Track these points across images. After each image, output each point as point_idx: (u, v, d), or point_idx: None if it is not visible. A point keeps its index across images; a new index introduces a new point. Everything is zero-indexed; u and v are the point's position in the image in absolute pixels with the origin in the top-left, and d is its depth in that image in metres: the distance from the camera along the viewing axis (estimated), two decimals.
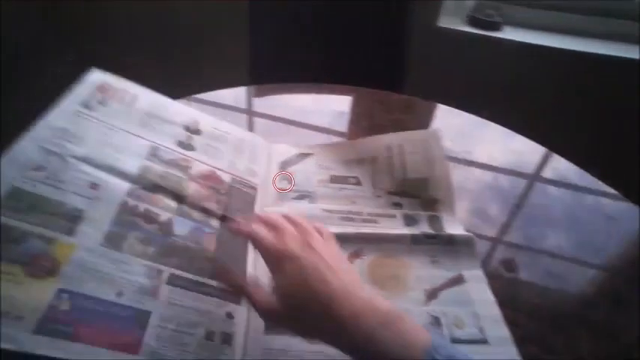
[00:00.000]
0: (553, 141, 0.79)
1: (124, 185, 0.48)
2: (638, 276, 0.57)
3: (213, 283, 0.46)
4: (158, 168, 0.53)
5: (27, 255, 0.38)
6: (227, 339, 0.42)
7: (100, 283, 0.39)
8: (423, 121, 0.87)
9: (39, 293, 0.36)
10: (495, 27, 1.33)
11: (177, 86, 0.80)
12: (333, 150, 0.70)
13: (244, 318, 0.45)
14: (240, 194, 0.58)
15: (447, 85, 1.29)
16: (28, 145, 0.45)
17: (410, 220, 0.59)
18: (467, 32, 1.34)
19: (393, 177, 0.65)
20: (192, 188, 0.53)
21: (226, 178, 0.58)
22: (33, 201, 0.41)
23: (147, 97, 0.61)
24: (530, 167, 0.75)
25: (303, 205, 0.61)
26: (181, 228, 0.48)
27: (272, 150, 0.68)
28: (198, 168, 0.56)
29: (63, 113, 0.51)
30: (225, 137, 0.64)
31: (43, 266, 0.38)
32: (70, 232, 0.41)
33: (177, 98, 0.74)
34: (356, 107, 0.90)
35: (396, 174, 0.65)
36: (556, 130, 1.12)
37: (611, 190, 0.69)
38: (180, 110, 0.63)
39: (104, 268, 0.40)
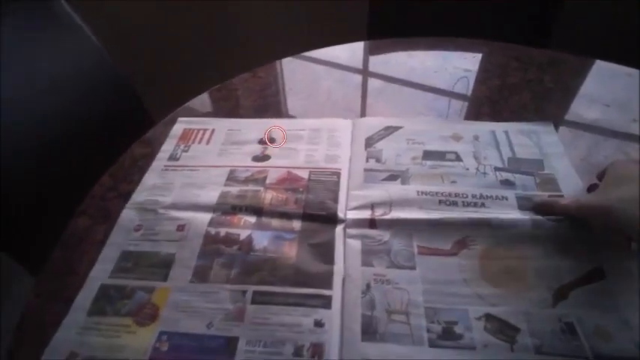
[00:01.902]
0: None
1: (206, 217, 0.50)
2: None
3: (299, 290, 0.42)
4: (235, 189, 0.53)
5: (135, 306, 0.43)
6: (317, 351, 0.37)
7: (192, 318, 0.41)
8: (568, 83, 0.65)
9: (145, 339, 0.40)
10: None
11: (288, 44, 0.80)
12: (426, 124, 0.59)
13: (337, 324, 0.39)
14: (321, 185, 0.53)
15: (606, 38, 0.96)
16: (128, 210, 0.52)
17: (526, 203, 0.47)
18: None
19: (500, 153, 0.53)
20: (268, 197, 0.52)
21: (303, 174, 0.54)
22: (136, 258, 0.47)
23: (223, 127, 0.64)
24: None
25: (395, 187, 0.51)
26: (261, 242, 0.47)
27: (356, 126, 0.61)
28: (273, 175, 0.55)
29: (153, 172, 0.57)
30: (299, 135, 0.61)
31: (147, 314, 0.42)
32: (165, 277, 0.45)
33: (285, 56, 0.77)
34: (486, 65, 0.73)
35: (502, 151, 0.53)
36: None
37: None
38: (254, 127, 0.63)
39: (194, 302, 0.42)
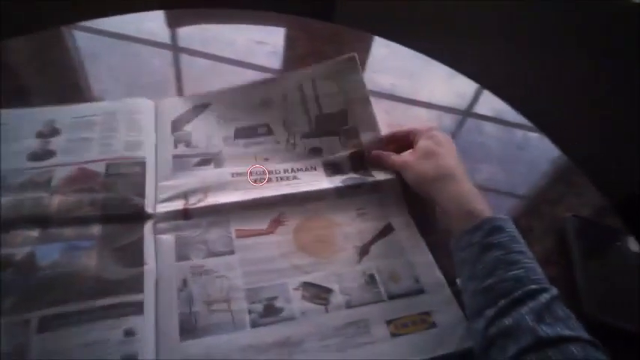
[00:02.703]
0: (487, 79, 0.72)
1: None
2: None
3: (102, 302, 0.37)
4: (6, 199, 0.43)
5: None
6: None
7: None
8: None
9: None
10: None
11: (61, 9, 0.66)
12: (234, 95, 0.56)
13: (151, 329, 0.36)
14: (123, 179, 0.46)
15: (386, 14, 1.11)
16: None
17: (332, 168, 0.51)
18: None
19: (308, 116, 0.54)
20: (56, 202, 0.43)
21: (99, 167, 0.47)
22: None
23: None
24: (465, 105, 0.69)
25: (209, 172, 0.49)
26: (47, 257, 0.39)
27: (160, 108, 0.55)
28: (60, 174, 0.46)
29: None
30: (91, 121, 0.52)
31: None
32: None
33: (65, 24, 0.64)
34: (276, 37, 0.74)
35: (309, 111, 0.54)
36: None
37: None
38: (31, 117, 0.52)
39: None
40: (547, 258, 0.47)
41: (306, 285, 0.40)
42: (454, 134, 0.64)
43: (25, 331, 0.34)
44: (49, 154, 0.48)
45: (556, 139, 0.64)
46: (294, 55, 0.71)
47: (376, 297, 0.40)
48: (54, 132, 0.50)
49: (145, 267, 0.40)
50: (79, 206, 0.43)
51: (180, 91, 0.61)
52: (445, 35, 1.19)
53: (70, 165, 0.47)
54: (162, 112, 0.55)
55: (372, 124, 0.53)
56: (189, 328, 0.36)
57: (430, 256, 0.45)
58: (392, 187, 0.50)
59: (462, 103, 0.69)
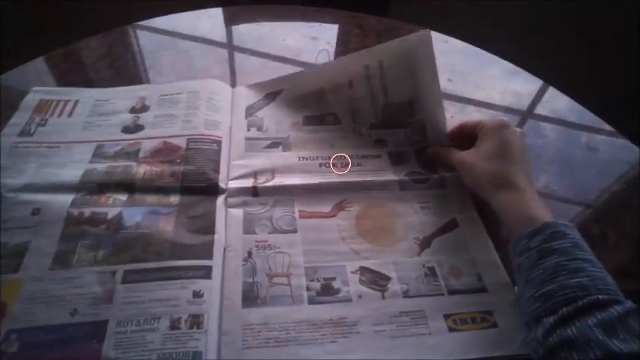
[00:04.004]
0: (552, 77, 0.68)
1: (67, 198, 0.45)
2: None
3: (176, 263, 0.40)
4: (102, 166, 0.48)
5: None
6: (196, 321, 0.36)
7: (51, 308, 0.37)
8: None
9: None
10: None
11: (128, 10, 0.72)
12: (304, 80, 0.58)
13: (217, 293, 0.38)
14: (201, 154, 0.50)
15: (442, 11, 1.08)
16: None
17: (397, 159, 0.51)
18: None
19: (374, 105, 0.54)
20: (142, 171, 0.48)
21: (181, 142, 0.51)
22: None
23: (89, 97, 0.57)
24: (526, 104, 0.65)
25: (277, 154, 0.51)
26: (132, 218, 0.43)
27: (236, 94, 0.58)
28: (147, 146, 0.50)
29: (1, 150, 0.49)
30: (176, 99, 0.57)
31: None
32: (15, 269, 0.39)
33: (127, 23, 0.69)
34: (331, 33, 0.75)
35: (376, 100, 0.54)
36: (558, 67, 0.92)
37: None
38: (125, 94, 0.57)
39: (54, 291, 0.38)
40: (624, 270, 0.43)
41: (364, 269, 0.41)
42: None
43: (112, 280, 0.38)
44: (138, 127, 0.53)
45: (634, 139, 0.58)
46: (347, 51, 0.70)
47: (435, 290, 0.40)
48: (144, 108, 0.55)
49: (215, 236, 0.42)
50: (161, 176, 0.47)
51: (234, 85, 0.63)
52: (509, 30, 1.12)
53: (155, 138, 0.51)
54: (238, 96, 0.58)
55: (440, 119, 0.52)
56: (250, 297, 0.38)
57: (496, 256, 0.43)
58: (458, 184, 0.49)
59: (524, 102, 0.65)
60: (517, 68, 0.69)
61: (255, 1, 0.82)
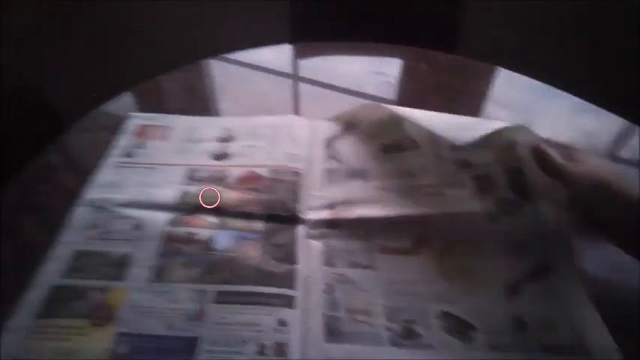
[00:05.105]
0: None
1: (165, 216, 0.49)
2: None
3: (262, 289, 0.43)
4: (194, 188, 0.52)
5: (89, 308, 0.41)
6: (281, 350, 0.38)
7: (151, 318, 0.40)
8: (474, 87, 0.73)
9: (100, 341, 0.39)
10: None
11: (208, 44, 0.78)
12: (381, 111, 0.58)
13: (299, 323, 0.40)
14: (282, 184, 0.53)
15: (508, 46, 1.11)
16: (81, 208, 0.50)
17: (483, 183, 0.47)
18: None
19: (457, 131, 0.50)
20: (230, 197, 0.51)
21: (264, 172, 0.55)
22: (90, 258, 0.45)
23: (181, 124, 0.63)
24: (602, 144, 0.62)
25: (357, 185, 0.53)
26: (223, 241, 0.47)
27: (314, 127, 0.62)
28: (234, 174, 0.55)
29: (106, 169, 0.55)
30: (259, 132, 0.61)
31: (102, 315, 0.40)
32: (120, 277, 0.43)
33: (205, 58, 0.76)
34: (400, 68, 0.78)
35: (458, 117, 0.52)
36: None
37: None
38: (213, 124, 0.63)
39: (153, 303, 0.41)
40: None
41: (447, 315, 0.40)
42: None
43: (203, 299, 0.42)
44: (226, 156, 0.57)
45: None
46: (417, 88, 0.72)
47: (525, 345, 0.38)
48: (230, 138, 0.60)
49: (297, 266, 0.45)
50: (248, 203, 0.51)
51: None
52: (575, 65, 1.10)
53: (241, 167, 0.55)
54: (316, 129, 0.61)
55: (533, 136, 0.47)
56: (333, 331, 0.39)
57: (597, 314, 0.40)
58: (556, 219, 0.44)
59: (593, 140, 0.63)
60: (586, 103, 0.67)
61: (324, 39, 0.86)
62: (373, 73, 0.76)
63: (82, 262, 0.45)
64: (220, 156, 0.57)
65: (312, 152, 0.58)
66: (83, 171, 0.54)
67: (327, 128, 0.61)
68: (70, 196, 0.51)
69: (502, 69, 0.76)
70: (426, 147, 0.53)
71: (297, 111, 0.68)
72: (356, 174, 0.54)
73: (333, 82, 0.75)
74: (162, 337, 0.39)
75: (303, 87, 0.75)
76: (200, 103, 0.70)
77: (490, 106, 0.69)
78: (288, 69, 0.79)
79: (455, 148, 0.49)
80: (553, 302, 0.41)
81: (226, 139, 0.60)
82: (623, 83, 1.14)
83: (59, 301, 0.41)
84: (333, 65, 0.80)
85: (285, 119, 0.63)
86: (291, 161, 0.56)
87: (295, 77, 0.78)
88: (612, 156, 0.62)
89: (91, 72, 1.33)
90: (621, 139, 0.64)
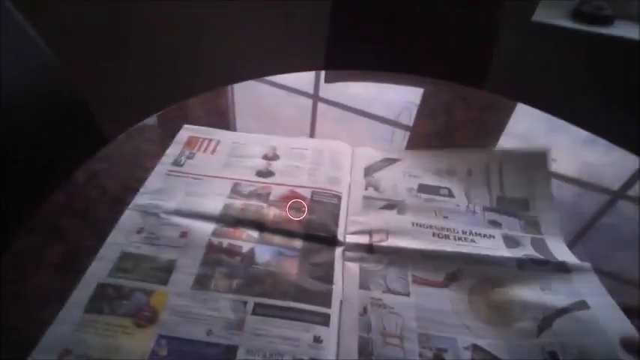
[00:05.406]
0: None
1: (209, 227, 0.51)
2: None
3: (299, 305, 0.44)
4: (238, 202, 0.55)
5: (133, 308, 0.43)
6: None
7: (191, 324, 0.42)
8: (502, 122, 0.77)
9: (142, 341, 0.40)
10: (606, 21, 1.10)
11: (261, 67, 0.82)
12: (422, 157, 0.63)
13: (334, 342, 0.41)
14: (322, 206, 0.55)
15: (534, 85, 1.14)
16: (130, 212, 0.53)
17: (511, 242, 0.51)
18: (565, 27, 1.13)
19: (490, 192, 0.58)
20: (272, 214, 0.53)
21: (306, 193, 0.56)
22: (136, 260, 0.47)
23: (229, 139, 0.66)
24: (614, 180, 0.64)
25: (392, 216, 0.54)
26: (263, 256, 0.48)
27: (356, 154, 0.64)
28: (277, 192, 0.56)
29: (157, 176, 0.58)
30: (303, 153, 0.63)
31: (145, 316, 0.42)
32: (165, 281, 0.45)
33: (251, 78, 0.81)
34: (434, 100, 0.81)
35: (492, 191, 0.58)
36: None
37: None
38: (259, 141, 0.65)
39: (194, 309, 0.43)
40: None
41: (477, 348, 0.41)
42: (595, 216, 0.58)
43: (244, 309, 0.43)
44: (270, 173, 0.60)
45: None
46: (451, 121, 0.74)
47: None
48: (275, 157, 0.62)
49: (333, 286, 0.46)
50: (288, 221, 0.52)
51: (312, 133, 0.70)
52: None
53: (284, 185, 0.57)
54: (358, 157, 0.63)
55: (554, 219, 0.54)
56: (366, 352, 0.40)
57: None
58: (583, 272, 0.47)
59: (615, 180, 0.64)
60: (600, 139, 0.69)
61: (357, 68, 0.89)
62: (396, 100, 0.80)
63: (128, 264, 0.47)
64: (265, 173, 0.60)
65: (353, 178, 0.60)
66: (130, 178, 0.57)
67: (369, 156, 0.63)
68: (116, 202, 0.54)
69: (520, 104, 0.79)
70: (461, 200, 0.57)
71: (313, 130, 0.72)
72: (392, 205, 0.56)
73: (351, 103, 0.78)
74: (202, 343, 0.40)
75: (328, 109, 0.78)
76: (245, 122, 0.73)
77: (504, 138, 0.71)
78: (311, 90, 0.83)
79: (487, 208, 0.56)
80: (589, 332, 0.41)
81: (271, 158, 0.62)
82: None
83: (105, 299, 0.43)
84: (356, 89, 0.83)
85: (329, 143, 0.65)
86: (333, 184, 0.58)
87: (315, 98, 0.81)
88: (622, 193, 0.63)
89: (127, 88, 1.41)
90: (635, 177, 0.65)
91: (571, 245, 0.52)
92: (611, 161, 0.67)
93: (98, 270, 0.46)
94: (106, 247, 0.48)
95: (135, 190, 0.55)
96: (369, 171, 0.61)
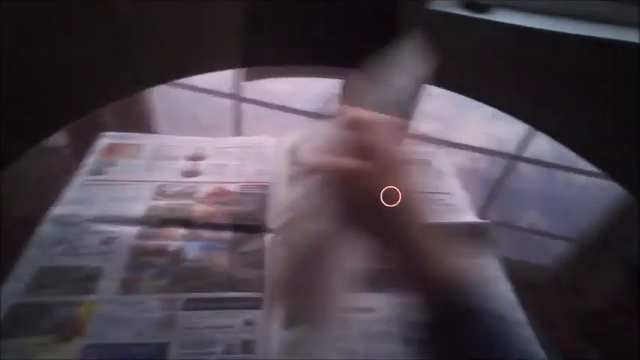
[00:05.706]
0: (541, 123, 0.77)
1: (134, 230, 0.50)
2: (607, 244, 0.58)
3: (231, 294, 0.44)
4: (164, 203, 0.54)
5: (55, 324, 0.41)
6: (248, 347, 0.40)
7: (120, 329, 0.41)
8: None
9: (67, 354, 0.39)
10: (486, 9, 1.32)
11: (170, 70, 0.82)
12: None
13: (264, 321, 0.42)
14: (250, 197, 0.56)
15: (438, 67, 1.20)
16: (47, 225, 0.50)
17: None
18: (456, 14, 1.30)
19: None
20: (199, 210, 0.53)
21: (233, 188, 0.57)
22: (58, 274, 0.45)
23: (152, 143, 0.64)
24: (513, 147, 0.73)
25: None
26: (192, 252, 0.48)
27: (280, 141, 0.65)
28: (204, 189, 0.56)
29: (75, 187, 0.56)
30: (229, 151, 0.63)
31: (70, 329, 0.40)
32: (90, 291, 0.44)
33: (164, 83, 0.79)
34: (349, 89, 0.83)
35: None
36: (545, 113, 1.02)
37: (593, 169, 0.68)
38: (184, 143, 0.65)
39: (123, 313, 0.42)
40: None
41: None
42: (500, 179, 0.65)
43: (173, 307, 0.43)
44: (196, 173, 0.59)
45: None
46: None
47: None
48: (201, 157, 0.62)
49: (265, 272, 0.47)
50: (215, 215, 0.53)
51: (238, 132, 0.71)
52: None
53: (211, 183, 0.57)
54: (281, 143, 0.64)
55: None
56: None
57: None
58: (483, 231, 0.52)
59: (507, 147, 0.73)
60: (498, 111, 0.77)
61: (276, 63, 0.90)
62: (316, 92, 0.83)
63: (46, 279, 0.45)
64: (190, 173, 0.59)
65: (277, 164, 0.61)
66: (42, 195, 0.55)
67: (291, 139, 0.64)
68: (27, 222, 0.51)
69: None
70: None
71: (239, 131, 0.73)
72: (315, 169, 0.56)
73: (273, 100, 0.79)
74: (132, 345, 0.39)
75: (250, 108, 0.79)
76: (168, 126, 0.72)
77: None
78: (239, 91, 0.83)
79: None
80: None
81: (197, 158, 0.62)
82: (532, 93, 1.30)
83: (21, 320, 0.41)
84: (275, 86, 0.85)
85: (254, 139, 0.66)
86: (259, 176, 0.59)
87: (236, 97, 0.82)
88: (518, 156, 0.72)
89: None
90: (526, 141, 0.74)
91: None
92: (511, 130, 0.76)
93: (12, 290, 0.43)
94: (21, 265, 0.46)
95: (49, 207, 0.52)
96: (292, 150, 0.62)
